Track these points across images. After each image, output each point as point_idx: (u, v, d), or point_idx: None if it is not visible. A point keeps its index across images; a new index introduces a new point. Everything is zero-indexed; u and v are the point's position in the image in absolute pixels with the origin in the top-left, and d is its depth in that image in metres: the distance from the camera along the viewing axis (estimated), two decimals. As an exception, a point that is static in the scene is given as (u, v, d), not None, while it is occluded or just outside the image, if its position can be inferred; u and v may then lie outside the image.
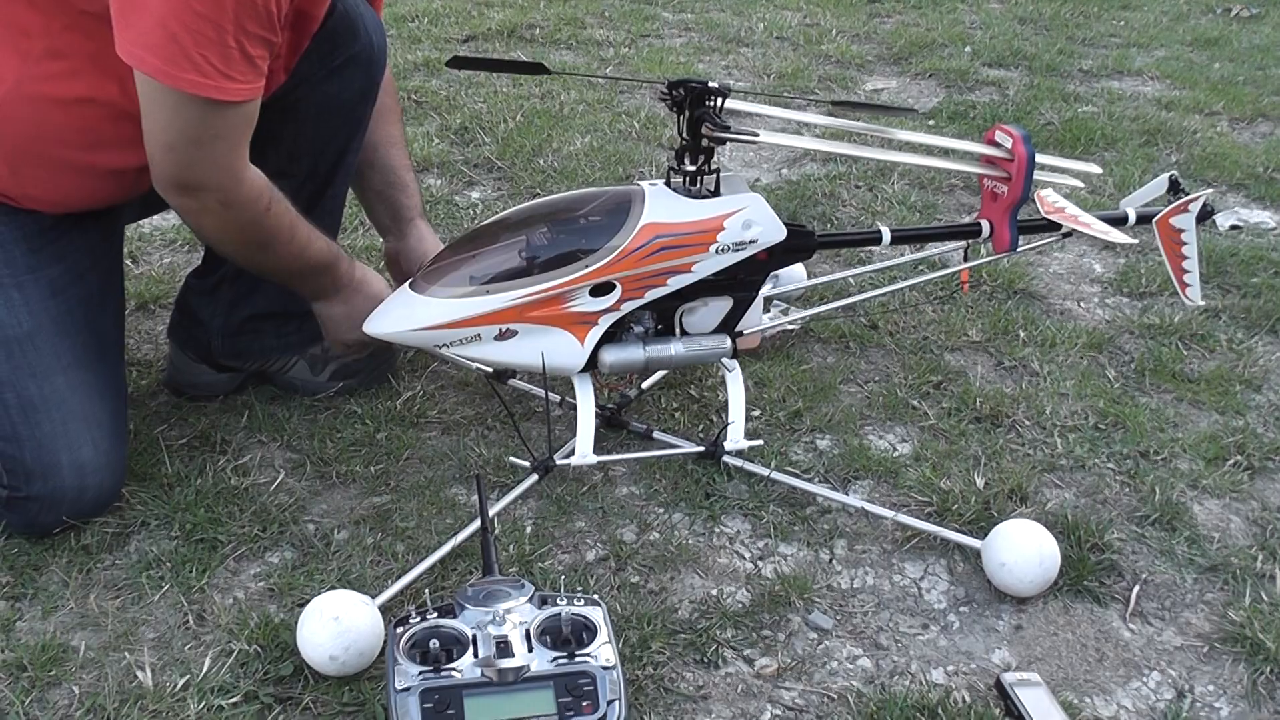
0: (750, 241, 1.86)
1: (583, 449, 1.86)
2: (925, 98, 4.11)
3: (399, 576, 1.73)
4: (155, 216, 2.60)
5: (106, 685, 1.58)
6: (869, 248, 2.79)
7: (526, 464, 1.91)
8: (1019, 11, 5.27)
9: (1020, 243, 2.06)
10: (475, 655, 1.43)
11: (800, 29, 4.87)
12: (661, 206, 1.83)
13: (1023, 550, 1.75)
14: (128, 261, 2.63)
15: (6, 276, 1.80)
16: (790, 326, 2.41)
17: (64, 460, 1.79)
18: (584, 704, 1.38)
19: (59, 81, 1.73)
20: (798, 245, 1.94)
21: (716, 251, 1.84)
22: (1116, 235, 2.00)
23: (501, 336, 1.82)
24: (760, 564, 1.84)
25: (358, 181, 2.21)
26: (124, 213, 2.05)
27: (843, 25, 4.94)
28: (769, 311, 2.30)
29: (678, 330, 1.93)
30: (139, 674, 1.59)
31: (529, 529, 1.89)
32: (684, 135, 1.83)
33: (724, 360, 1.96)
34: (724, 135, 1.79)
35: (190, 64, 1.59)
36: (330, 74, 1.97)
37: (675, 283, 1.85)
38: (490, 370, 2.20)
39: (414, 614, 1.49)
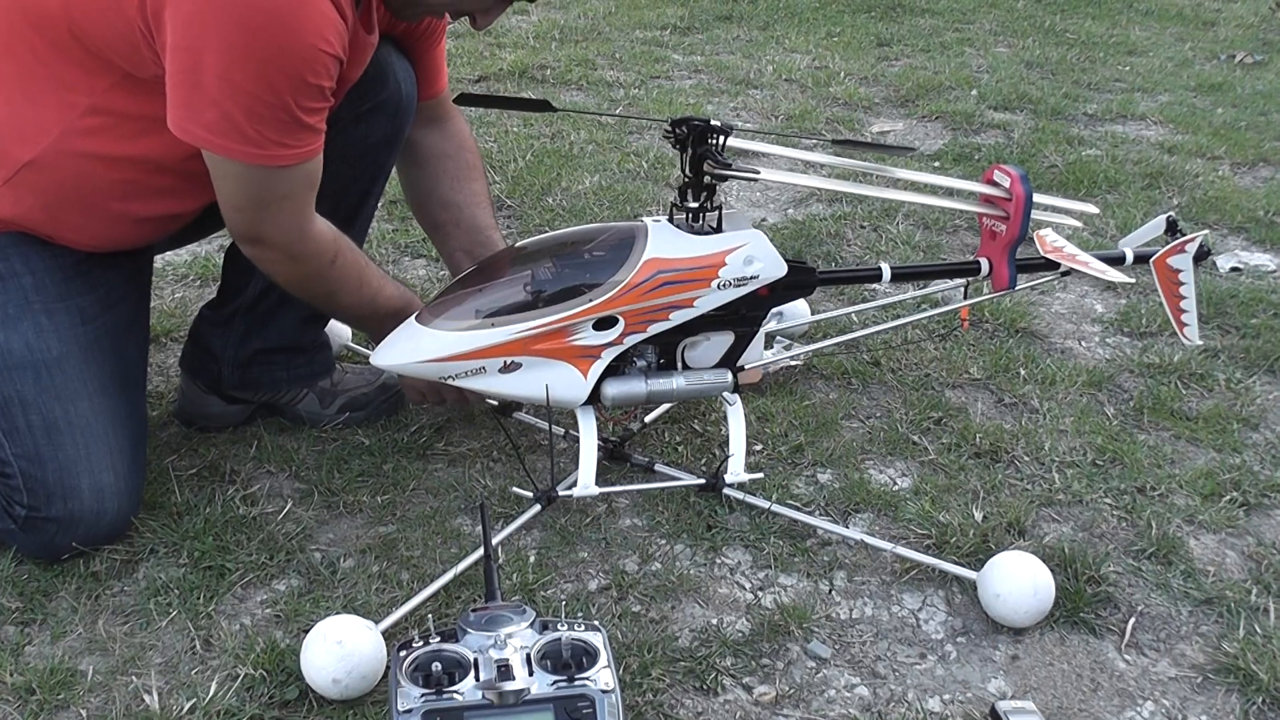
0: (751, 277, 1.89)
1: (585, 480, 1.89)
2: (931, 140, 4.15)
3: (403, 603, 1.75)
4: (168, 252, 2.64)
5: (114, 708, 1.60)
6: (871, 285, 2.82)
7: (530, 494, 1.93)
8: (1025, 56, 5.30)
9: (1019, 281, 2.09)
10: (477, 678, 1.45)
11: (809, 71, 4.92)
12: (664, 242, 1.87)
13: (1017, 581, 1.77)
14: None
15: (38, 303, 1.85)
16: (792, 362, 2.43)
17: (84, 484, 1.83)
18: (583, 726, 1.41)
19: (100, 138, 1.79)
20: (799, 281, 1.97)
21: (718, 287, 1.88)
22: (1114, 274, 2.03)
23: (506, 369, 1.86)
24: (760, 594, 1.86)
25: (442, 240, 2.26)
26: (155, 246, 2.10)
27: (851, 68, 4.99)
28: (772, 348, 2.33)
29: (680, 364, 1.96)
30: (146, 697, 1.61)
31: (532, 558, 1.91)
32: (686, 172, 1.87)
33: (725, 394, 1.99)
34: (725, 173, 1.82)
35: (245, 139, 1.67)
36: (357, 119, 2.01)
37: (677, 317, 1.88)
38: (496, 403, 2.23)
39: (417, 638, 1.51)
